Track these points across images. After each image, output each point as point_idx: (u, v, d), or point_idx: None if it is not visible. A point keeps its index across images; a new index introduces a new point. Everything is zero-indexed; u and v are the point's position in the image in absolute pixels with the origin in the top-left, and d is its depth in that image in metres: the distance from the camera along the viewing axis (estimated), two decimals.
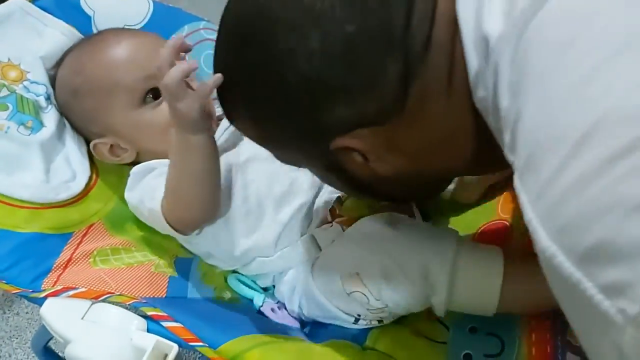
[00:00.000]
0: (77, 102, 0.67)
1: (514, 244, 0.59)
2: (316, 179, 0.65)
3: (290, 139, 0.44)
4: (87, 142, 0.69)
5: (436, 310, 0.55)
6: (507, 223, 0.62)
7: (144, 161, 0.67)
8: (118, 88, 0.64)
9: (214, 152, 0.58)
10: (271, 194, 0.63)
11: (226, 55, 0.45)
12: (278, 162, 0.61)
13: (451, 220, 0.70)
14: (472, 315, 0.55)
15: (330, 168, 0.46)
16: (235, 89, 0.45)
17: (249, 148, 0.65)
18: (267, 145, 0.48)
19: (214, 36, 0.79)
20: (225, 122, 0.67)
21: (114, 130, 0.65)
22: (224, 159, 0.62)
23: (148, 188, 0.61)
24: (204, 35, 0.80)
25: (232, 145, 0.66)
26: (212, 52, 0.76)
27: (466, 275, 0.52)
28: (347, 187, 0.51)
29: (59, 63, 0.70)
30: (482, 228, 0.65)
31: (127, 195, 0.63)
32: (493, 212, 0.65)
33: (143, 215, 0.63)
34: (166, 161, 0.61)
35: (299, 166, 0.52)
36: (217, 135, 0.66)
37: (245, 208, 0.62)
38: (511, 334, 0.53)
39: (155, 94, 0.64)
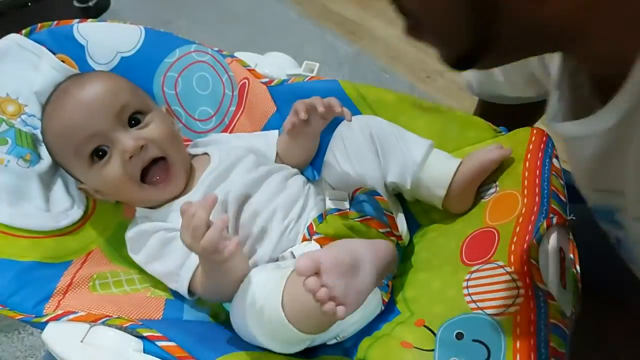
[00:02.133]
0: (52, 155, 0.70)
1: (498, 253, 0.60)
2: (303, 197, 0.67)
3: None
4: None
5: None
6: (494, 231, 0.63)
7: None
8: (68, 154, 0.66)
9: (244, 259, 0.61)
10: (260, 222, 0.65)
11: None
12: (268, 189, 0.63)
13: (440, 229, 0.71)
14: (459, 321, 0.56)
15: None
16: None
17: (236, 182, 0.67)
18: None
19: (205, 58, 0.83)
20: (211, 166, 0.70)
21: (85, 182, 0.69)
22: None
23: (164, 268, 0.63)
24: (195, 57, 0.82)
25: (218, 184, 0.68)
26: (203, 73, 0.82)
27: None
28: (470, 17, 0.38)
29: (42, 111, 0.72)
30: (471, 236, 0.65)
31: (133, 257, 0.66)
32: (481, 221, 0.65)
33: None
34: (157, 225, 0.65)
35: None
36: (202, 178, 0.69)
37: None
38: (497, 341, 0.53)
39: (99, 153, 0.66)
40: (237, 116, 0.83)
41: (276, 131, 0.80)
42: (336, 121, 0.75)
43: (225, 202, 0.66)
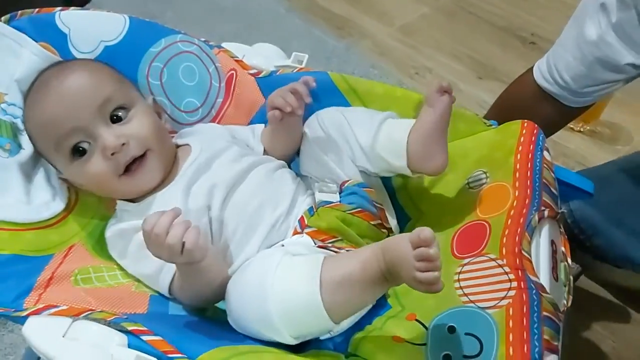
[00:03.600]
0: (34, 145, 0.68)
1: (490, 246, 0.59)
2: (292, 191, 0.66)
3: None
4: None
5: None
6: (486, 224, 0.63)
7: None
8: (49, 146, 0.65)
9: (218, 256, 0.61)
10: (246, 216, 0.64)
11: None
12: (253, 182, 0.63)
13: (429, 222, 0.70)
14: (451, 315, 0.56)
15: None
16: None
17: (219, 174, 0.66)
18: None
19: (192, 48, 0.81)
20: (191, 157, 0.68)
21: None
22: (195, 200, 0.63)
23: (144, 271, 0.63)
24: (181, 47, 0.80)
25: (200, 176, 0.67)
26: (189, 64, 0.80)
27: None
28: None
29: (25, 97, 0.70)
30: (462, 228, 0.65)
31: (121, 262, 0.65)
32: (471, 213, 0.65)
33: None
34: (137, 223, 0.61)
35: None
36: (183, 169, 0.67)
37: (222, 239, 0.64)
38: (489, 334, 0.53)
39: (81, 149, 0.64)
40: (225, 108, 0.82)
41: (262, 125, 0.79)
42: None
43: (209, 194, 0.64)
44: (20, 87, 0.70)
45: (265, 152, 0.76)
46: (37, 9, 0.75)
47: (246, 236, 0.63)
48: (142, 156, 0.65)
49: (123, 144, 0.63)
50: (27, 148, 0.67)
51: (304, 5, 1.70)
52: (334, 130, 0.69)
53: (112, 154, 0.63)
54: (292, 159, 0.79)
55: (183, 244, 0.53)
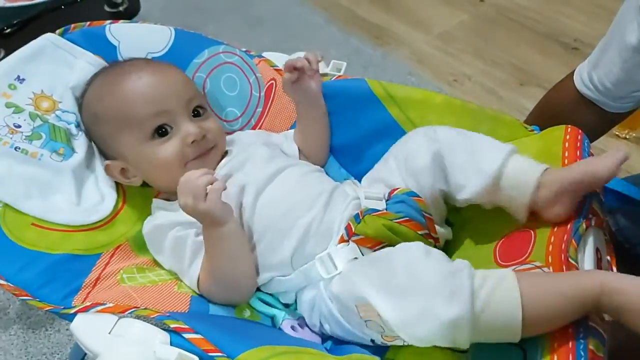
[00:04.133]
0: (96, 126, 0.71)
1: (535, 253, 0.58)
2: (327, 192, 0.67)
3: None
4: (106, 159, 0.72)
5: (460, 345, 0.52)
6: (530, 231, 0.61)
7: (153, 186, 0.72)
8: (129, 122, 0.67)
9: (243, 232, 0.63)
10: (278, 216, 0.64)
11: None
12: (286, 181, 0.64)
13: (473, 229, 0.69)
14: None
15: None
16: None
17: (252, 175, 0.67)
18: None
19: (234, 59, 0.84)
20: (225, 160, 0.71)
21: (125, 157, 0.69)
22: (227, 198, 0.63)
23: (176, 265, 0.65)
24: (223, 58, 0.83)
25: (231, 176, 0.68)
26: (231, 74, 0.82)
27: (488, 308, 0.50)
28: None
29: (88, 83, 0.74)
30: (505, 236, 0.64)
31: (156, 258, 0.67)
32: (517, 220, 0.63)
33: None
34: (174, 218, 0.64)
35: None
36: (217, 170, 0.69)
37: (256, 237, 0.64)
38: (533, 343, 0.52)
39: (161, 131, 0.68)
40: (264, 117, 0.83)
41: (290, 132, 0.80)
42: (373, 126, 0.75)
43: (240, 193, 0.66)
44: (74, 93, 0.74)
45: (301, 155, 0.77)
46: (88, 22, 0.79)
47: (278, 237, 0.64)
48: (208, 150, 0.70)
49: (204, 136, 0.68)
50: (80, 153, 0.70)
51: (342, 15, 1.71)
52: (441, 157, 0.65)
53: (192, 142, 0.67)
54: (325, 162, 0.80)
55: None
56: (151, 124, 0.67)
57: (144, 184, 0.73)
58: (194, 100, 0.71)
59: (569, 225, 0.58)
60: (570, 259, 0.54)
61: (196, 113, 0.71)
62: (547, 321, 0.50)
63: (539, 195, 0.59)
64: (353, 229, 0.63)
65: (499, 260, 0.61)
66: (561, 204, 0.59)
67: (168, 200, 0.70)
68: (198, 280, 0.62)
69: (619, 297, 0.47)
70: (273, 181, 0.67)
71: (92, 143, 0.74)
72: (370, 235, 0.62)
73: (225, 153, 0.73)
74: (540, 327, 0.50)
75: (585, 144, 0.67)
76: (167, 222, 0.65)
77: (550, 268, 0.54)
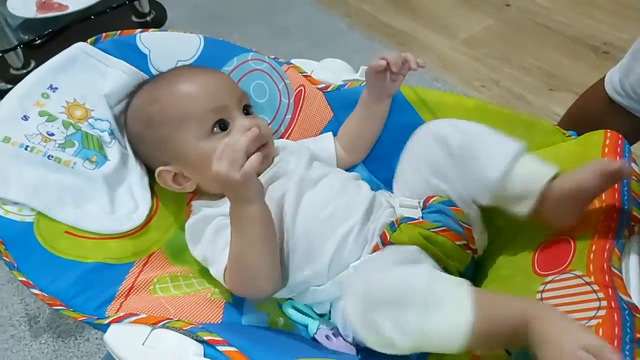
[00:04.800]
0: (150, 131, 0.70)
1: (575, 263, 0.56)
2: (367, 200, 0.65)
3: None
4: (149, 173, 0.73)
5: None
6: (570, 239, 0.59)
7: (204, 192, 0.71)
8: (189, 118, 0.67)
9: (271, 219, 0.61)
10: (318, 223, 0.63)
11: None
12: (327, 188, 0.62)
13: (508, 237, 0.67)
14: None
15: None
16: None
17: (294, 180, 0.66)
18: None
19: (262, 66, 0.83)
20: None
21: (181, 158, 0.68)
22: (269, 199, 0.63)
23: (210, 251, 0.64)
24: (252, 65, 0.83)
25: (275, 180, 0.68)
26: (260, 82, 0.82)
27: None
28: None
29: (131, 94, 0.74)
30: (543, 244, 0.62)
31: (192, 251, 0.66)
32: (554, 229, 0.61)
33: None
34: (218, 210, 0.64)
35: None
36: (261, 175, 0.68)
37: (293, 242, 0.63)
38: None
39: (222, 125, 0.68)
40: (293, 124, 0.83)
41: (330, 133, 0.79)
42: (405, 132, 0.73)
43: (282, 197, 0.65)
44: (109, 101, 0.75)
45: (338, 158, 0.77)
46: (119, 31, 0.80)
47: (316, 243, 0.63)
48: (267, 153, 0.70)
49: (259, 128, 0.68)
50: (113, 160, 0.70)
51: (366, 21, 1.70)
52: (452, 150, 0.64)
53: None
54: (360, 160, 0.80)
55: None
56: (211, 118, 0.67)
57: None
58: (243, 98, 0.72)
59: (610, 234, 0.55)
60: (613, 268, 0.52)
61: (246, 112, 0.72)
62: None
63: (544, 205, 0.59)
64: (388, 237, 0.62)
65: (538, 270, 0.59)
66: (565, 214, 0.58)
67: (212, 201, 0.70)
68: (224, 270, 0.61)
69: (549, 327, 0.46)
70: (315, 187, 0.66)
71: (130, 153, 0.74)
72: (406, 244, 0.60)
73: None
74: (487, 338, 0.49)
75: (626, 149, 0.65)
76: (212, 213, 0.66)
77: (592, 277, 0.52)
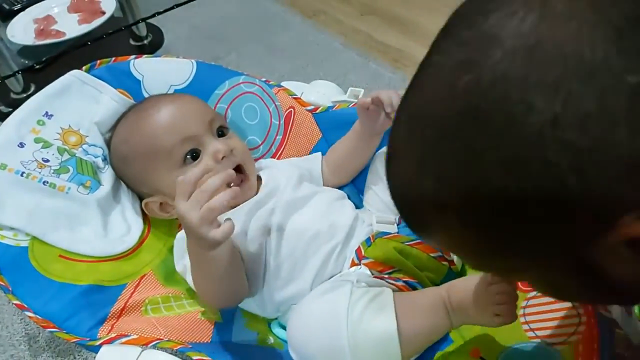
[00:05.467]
0: (127, 168, 0.73)
1: None
2: (350, 220, 0.67)
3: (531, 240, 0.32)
4: (140, 199, 0.75)
5: None
6: None
7: None
8: (159, 153, 0.69)
9: (230, 256, 0.59)
10: (302, 243, 0.65)
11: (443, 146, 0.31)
12: (313, 209, 0.64)
13: None
14: (517, 351, 0.54)
15: (578, 271, 0.33)
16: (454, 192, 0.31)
17: (282, 202, 0.68)
18: (477, 254, 0.36)
19: (253, 89, 0.85)
20: (262, 183, 0.71)
21: (161, 190, 0.70)
22: (256, 220, 0.65)
23: (188, 264, 0.64)
24: (243, 88, 0.85)
25: (263, 201, 0.69)
26: (251, 104, 0.84)
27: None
28: (589, 291, 0.37)
29: (112, 129, 0.77)
30: None
31: (176, 264, 0.67)
32: None
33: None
34: None
35: (511, 274, 0.43)
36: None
37: (277, 262, 0.65)
38: None
39: (194, 154, 0.69)
40: (284, 144, 0.85)
41: (319, 153, 0.81)
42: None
43: (269, 217, 0.66)
44: (99, 129, 0.77)
45: (324, 179, 0.78)
46: (113, 58, 0.82)
47: (300, 263, 0.64)
48: (243, 173, 0.70)
49: (232, 150, 0.69)
50: (106, 185, 0.72)
51: (360, 40, 1.73)
52: None
53: (222, 158, 0.68)
54: (350, 193, 0.80)
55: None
56: (180, 151, 0.68)
57: None
58: (215, 121, 0.72)
59: None
60: None
61: (220, 133, 0.72)
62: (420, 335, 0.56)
63: None
64: (363, 252, 0.63)
65: (521, 286, 0.60)
66: None
67: None
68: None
69: (460, 294, 0.55)
70: (302, 208, 0.68)
71: (123, 184, 0.76)
72: (380, 258, 0.62)
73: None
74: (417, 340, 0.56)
75: None
76: None
77: None
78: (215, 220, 0.53)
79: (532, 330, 0.54)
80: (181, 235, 0.68)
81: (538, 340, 0.53)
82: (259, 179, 0.74)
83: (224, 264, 0.58)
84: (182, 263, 0.65)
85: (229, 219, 0.54)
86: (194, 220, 0.52)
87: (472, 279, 0.55)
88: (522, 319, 0.56)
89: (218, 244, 0.54)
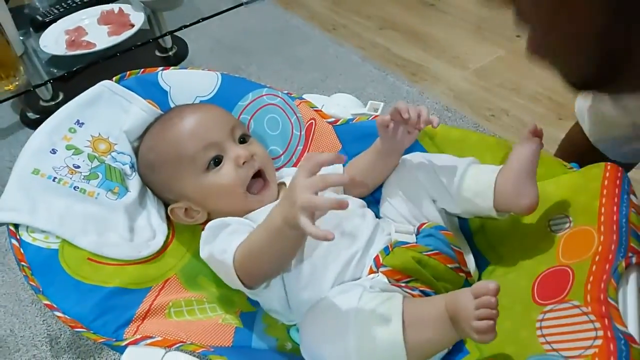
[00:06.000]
0: (153, 175, 0.76)
1: (573, 292, 0.57)
2: (371, 227, 0.68)
3: None
4: (165, 205, 0.78)
5: None
6: (569, 269, 0.61)
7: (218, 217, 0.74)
8: (183, 160, 0.72)
9: (301, 243, 0.60)
10: (323, 248, 0.66)
11: None
12: (335, 214, 0.65)
13: (509, 266, 0.69)
14: None
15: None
16: None
17: None
18: None
19: (276, 101, 0.88)
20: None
21: (186, 196, 0.73)
22: None
23: (220, 243, 0.66)
24: (266, 100, 0.87)
25: None
26: (273, 115, 0.86)
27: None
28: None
29: (140, 138, 0.80)
30: (543, 274, 0.63)
31: (201, 247, 0.68)
32: (553, 258, 0.63)
33: (214, 267, 0.68)
34: (239, 219, 0.68)
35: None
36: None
37: (298, 265, 0.66)
38: None
39: (216, 160, 0.72)
40: (304, 155, 0.87)
41: (340, 165, 0.82)
42: None
43: None
44: (128, 137, 0.80)
45: (344, 190, 0.79)
46: (142, 70, 0.85)
47: (320, 268, 0.65)
48: (264, 178, 0.74)
49: (252, 156, 0.72)
50: (133, 192, 0.75)
51: (379, 53, 1.75)
52: (418, 173, 0.72)
53: (243, 163, 0.71)
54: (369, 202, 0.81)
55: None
56: (203, 157, 0.71)
57: None
58: (237, 128, 0.75)
59: (607, 265, 0.57)
60: (609, 299, 0.54)
61: (242, 140, 0.75)
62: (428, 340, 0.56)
63: (499, 191, 0.65)
64: (381, 260, 0.64)
65: (537, 299, 0.61)
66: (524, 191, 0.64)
67: None
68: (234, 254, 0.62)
69: (454, 304, 0.55)
70: (324, 214, 0.69)
71: (149, 190, 0.78)
72: (398, 267, 0.63)
73: (282, 184, 0.77)
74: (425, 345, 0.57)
75: (625, 181, 0.66)
76: (231, 220, 0.69)
77: (590, 307, 0.54)
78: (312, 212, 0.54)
79: (548, 343, 0.55)
80: (214, 223, 0.69)
81: (555, 353, 0.53)
82: (283, 185, 0.76)
83: (299, 244, 0.60)
84: (208, 249, 0.67)
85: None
86: (301, 201, 0.53)
87: (468, 289, 0.55)
88: (538, 332, 0.56)
89: (301, 231, 0.54)
